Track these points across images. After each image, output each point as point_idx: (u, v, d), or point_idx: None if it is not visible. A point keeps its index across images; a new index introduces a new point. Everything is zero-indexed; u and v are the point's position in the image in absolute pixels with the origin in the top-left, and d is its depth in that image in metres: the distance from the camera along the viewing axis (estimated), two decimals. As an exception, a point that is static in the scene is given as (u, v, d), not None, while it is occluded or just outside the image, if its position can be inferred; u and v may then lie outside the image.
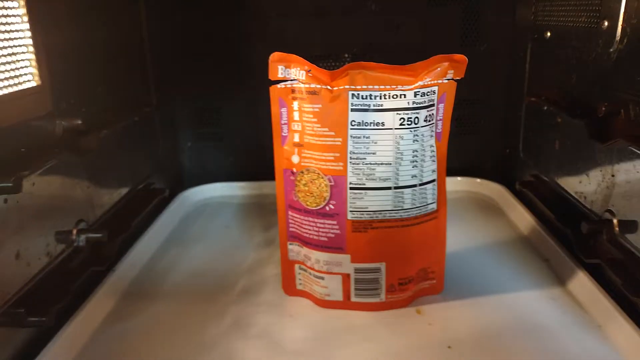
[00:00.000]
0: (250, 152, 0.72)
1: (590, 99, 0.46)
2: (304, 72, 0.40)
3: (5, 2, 0.37)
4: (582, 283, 0.45)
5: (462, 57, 0.39)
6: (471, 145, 0.70)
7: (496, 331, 0.41)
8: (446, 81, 0.40)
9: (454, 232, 0.57)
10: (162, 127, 0.67)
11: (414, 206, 0.41)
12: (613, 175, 0.44)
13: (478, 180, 0.69)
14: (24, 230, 0.39)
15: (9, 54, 0.37)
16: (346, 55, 0.69)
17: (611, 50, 0.44)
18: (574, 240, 0.48)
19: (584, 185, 0.49)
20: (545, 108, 0.54)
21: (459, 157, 0.69)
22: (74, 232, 0.46)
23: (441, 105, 0.41)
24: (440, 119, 0.41)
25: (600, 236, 0.45)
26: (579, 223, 0.46)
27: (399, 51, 0.67)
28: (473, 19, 0.66)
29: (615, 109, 0.41)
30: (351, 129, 0.40)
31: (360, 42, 0.68)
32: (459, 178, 0.69)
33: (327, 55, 0.68)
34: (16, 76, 0.38)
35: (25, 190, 0.38)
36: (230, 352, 0.40)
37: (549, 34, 0.56)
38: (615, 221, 0.44)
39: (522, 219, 0.59)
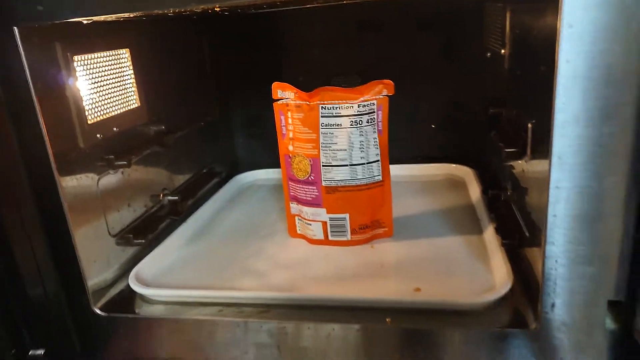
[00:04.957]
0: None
1: (496, 104, 0.66)
2: (293, 94, 0.64)
3: (121, 59, 0.65)
4: (489, 231, 0.65)
5: (389, 82, 0.62)
6: (452, 139, 0.90)
7: (419, 258, 0.62)
8: (382, 97, 0.62)
9: (419, 201, 0.79)
10: (221, 130, 0.94)
11: (364, 177, 0.64)
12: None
13: (454, 165, 0.89)
14: (132, 191, 0.67)
15: (124, 89, 0.65)
16: (354, 73, 0.91)
17: (506, 68, 0.64)
18: (488, 202, 0.68)
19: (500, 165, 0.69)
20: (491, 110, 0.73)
21: (443, 148, 0.90)
22: (161, 195, 0.74)
23: (380, 112, 0.63)
24: (380, 121, 0.63)
25: (500, 198, 0.65)
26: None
27: (395, 67, 0.89)
28: (452, 43, 0.86)
29: (498, 111, 0.62)
30: (321, 128, 0.63)
31: (364, 63, 0.90)
32: (439, 164, 0.90)
33: (339, 73, 0.91)
34: (129, 101, 0.66)
35: (133, 168, 0.66)
36: (249, 265, 0.64)
37: (489, 54, 0.75)
38: (508, 187, 0.63)
39: (475, 192, 0.78)
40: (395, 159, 0.92)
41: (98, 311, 0.58)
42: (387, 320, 0.52)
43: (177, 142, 0.75)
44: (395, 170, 0.91)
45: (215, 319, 0.55)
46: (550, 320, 0.47)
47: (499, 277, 0.56)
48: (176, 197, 0.74)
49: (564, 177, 0.42)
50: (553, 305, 0.47)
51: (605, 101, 0.40)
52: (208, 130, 0.89)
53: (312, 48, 0.91)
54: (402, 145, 0.93)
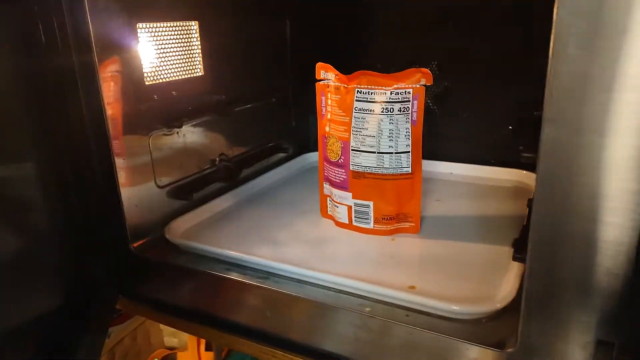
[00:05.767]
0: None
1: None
2: (334, 75, 0.65)
3: (189, 30, 0.72)
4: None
5: (427, 71, 0.59)
6: (528, 144, 0.83)
7: (434, 259, 0.60)
8: (418, 86, 0.60)
9: (472, 204, 0.75)
10: (294, 109, 0.98)
11: (391, 167, 0.63)
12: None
13: (524, 172, 0.82)
14: (188, 152, 0.74)
15: (189, 58, 0.72)
16: (433, 64, 0.88)
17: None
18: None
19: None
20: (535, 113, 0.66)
21: (518, 153, 0.83)
22: (217, 159, 0.80)
23: (415, 102, 0.61)
24: (415, 111, 0.61)
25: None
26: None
27: (473, 59, 0.84)
28: (537, 40, 0.79)
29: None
30: (354, 112, 0.63)
31: (443, 53, 0.87)
32: (511, 170, 0.83)
33: (414, 62, 0.88)
34: (193, 69, 0.73)
35: (192, 131, 0.73)
36: (276, 235, 0.67)
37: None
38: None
39: (531, 202, 0.72)
40: (467, 159, 0.89)
41: (133, 249, 0.66)
42: (367, 309, 0.51)
43: (242, 114, 0.81)
44: (464, 170, 0.89)
45: (222, 275, 0.60)
46: (529, 346, 0.43)
47: (503, 291, 0.51)
48: (230, 164, 0.80)
49: (548, 190, 0.38)
50: (533, 331, 0.42)
51: (598, 107, 0.35)
52: (279, 107, 0.93)
53: (391, 35, 0.90)
54: (475, 145, 0.89)
